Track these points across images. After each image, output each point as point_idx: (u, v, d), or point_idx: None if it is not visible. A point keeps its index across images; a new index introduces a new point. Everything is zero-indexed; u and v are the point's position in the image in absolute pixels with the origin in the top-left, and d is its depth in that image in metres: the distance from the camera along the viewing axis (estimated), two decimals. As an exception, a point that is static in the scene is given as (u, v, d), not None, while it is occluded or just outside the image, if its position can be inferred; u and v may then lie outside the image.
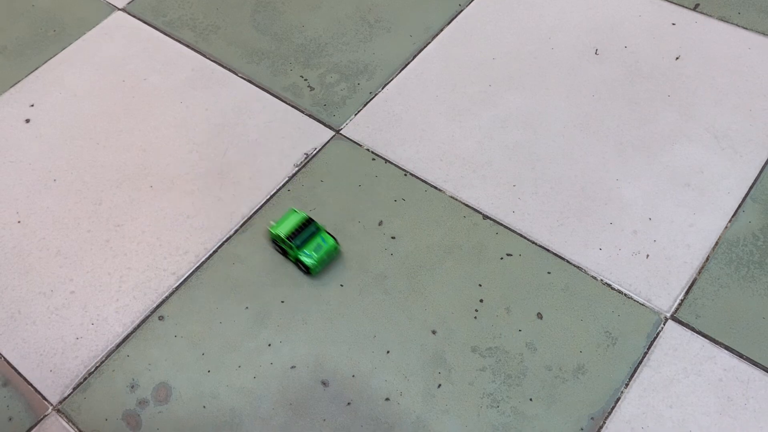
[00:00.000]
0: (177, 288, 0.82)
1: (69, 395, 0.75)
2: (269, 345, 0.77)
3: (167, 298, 0.81)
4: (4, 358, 0.78)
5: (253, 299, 0.81)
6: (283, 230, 0.79)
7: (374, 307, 0.79)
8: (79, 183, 0.92)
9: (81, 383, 0.76)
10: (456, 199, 0.87)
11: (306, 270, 0.80)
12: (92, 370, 0.77)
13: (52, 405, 0.74)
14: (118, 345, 0.78)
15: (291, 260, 0.82)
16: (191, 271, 0.83)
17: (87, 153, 0.95)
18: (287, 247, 0.79)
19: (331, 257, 0.80)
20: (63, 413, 0.74)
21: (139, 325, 0.80)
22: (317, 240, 0.79)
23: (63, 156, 0.95)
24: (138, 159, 0.94)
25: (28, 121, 0.99)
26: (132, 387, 0.75)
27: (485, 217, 0.85)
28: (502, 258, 0.82)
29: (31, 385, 0.76)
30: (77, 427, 0.73)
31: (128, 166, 0.93)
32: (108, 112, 0.99)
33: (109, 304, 0.81)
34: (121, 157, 0.94)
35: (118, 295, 0.82)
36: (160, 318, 0.80)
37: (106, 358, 0.77)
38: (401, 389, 0.73)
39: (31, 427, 0.73)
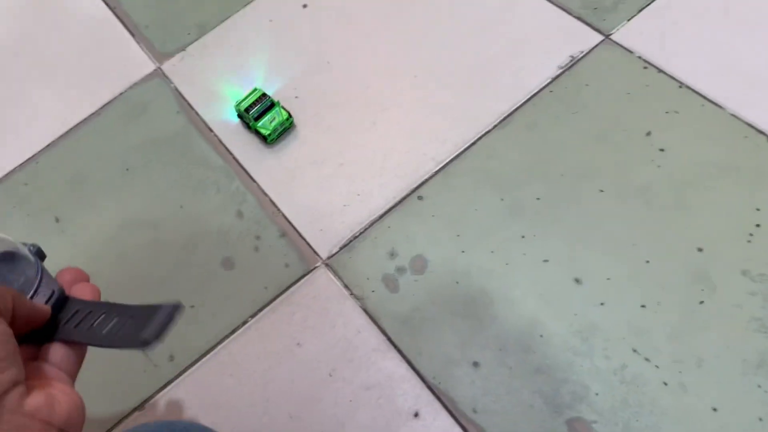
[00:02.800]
0: (436, 172, 0.86)
1: (336, 253, 0.83)
2: (522, 237, 0.79)
3: (426, 180, 0.86)
4: (282, 213, 0.87)
5: (507, 192, 0.82)
6: (242, 105, 0.91)
7: (635, 217, 0.77)
8: (349, 67, 0.98)
9: (347, 244, 0.83)
10: (737, 118, 0.81)
11: (263, 139, 0.91)
12: (357, 234, 0.84)
13: (321, 259, 0.83)
14: (381, 216, 0.84)
15: (252, 131, 0.93)
16: (450, 158, 0.87)
17: (357, 41, 1.00)
18: (247, 119, 0.91)
19: (284, 127, 0.91)
20: (330, 267, 0.82)
21: (399, 202, 0.85)
22: (272, 113, 0.90)
23: (336, 41, 1.01)
24: (403, 49, 0.97)
25: (305, 6, 1.06)
26: (391, 255, 0.81)
27: (770, 139, 0.78)
28: (786, 184, 0.75)
29: (304, 239, 0.85)
30: (342, 281, 0.80)
31: (395, 55, 0.97)
32: (378, 2, 1.03)
33: (373, 179, 0.87)
34: (388, 47, 0.98)
35: (381, 172, 0.88)
36: (419, 198, 0.85)
37: (370, 226, 0.84)
38: (659, 299, 0.72)
39: (304, 275, 0.82)
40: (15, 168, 0.99)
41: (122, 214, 0.91)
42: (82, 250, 0.90)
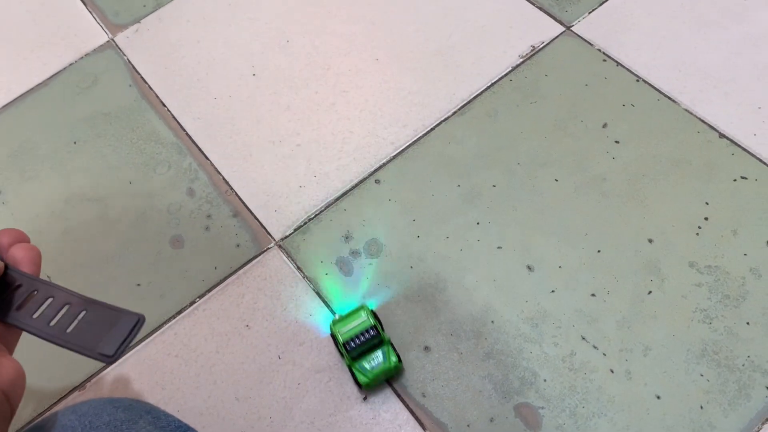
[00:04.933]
0: (394, 157, 0.85)
1: (290, 234, 0.81)
2: (477, 223, 0.79)
3: (384, 164, 0.85)
4: (235, 192, 0.85)
5: (465, 179, 0.82)
6: (345, 333, 0.67)
7: (589, 207, 0.78)
8: (309, 47, 0.96)
9: (301, 226, 0.82)
10: (691, 113, 0.82)
11: (358, 386, 0.69)
12: (312, 216, 0.82)
13: (274, 240, 0.81)
14: (337, 199, 0.83)
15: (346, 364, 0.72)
16: (409, 143, 0.86)
17: (319, 20, 0.99)
18: (343, 352, 0.69)
19: (388, 376, 0.68)
20: (284, 249, 0.80)
21: (356, 185, 0.84)
22: (377, 353, 0.67)
23: (296, 20, 0.99)
24: (366, 31, 0.96)
25: (267, -17, 1.04)
26: (346, 238, 0.80)
27: (721, 135, 0.80)
28: (735, 180, 0.77)
29: (257, 219, 0.83)
30: (295, 263, 0.79)
31: (356, 36, 0.96)
32: (342, -17, 1.02)
33: (330, 161, 0.86)
34: (350, 28, 0.97)
35: (339, 155, 0.86)
36: (377, 181, 0.84)
37: (325, 209, 0.83)
38: (609, 288, 0.73)
39: (256, 256, 0.80)
40: (-47, 136, 0.94)
41: (68, 188, 0.88)
42: (25, 225, 0.86)
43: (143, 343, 0.76)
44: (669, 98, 0.83)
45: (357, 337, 0.66)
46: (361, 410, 0.69)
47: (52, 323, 0.37)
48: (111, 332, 0.35)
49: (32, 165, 0.90)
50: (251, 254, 0.81)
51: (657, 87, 0.84)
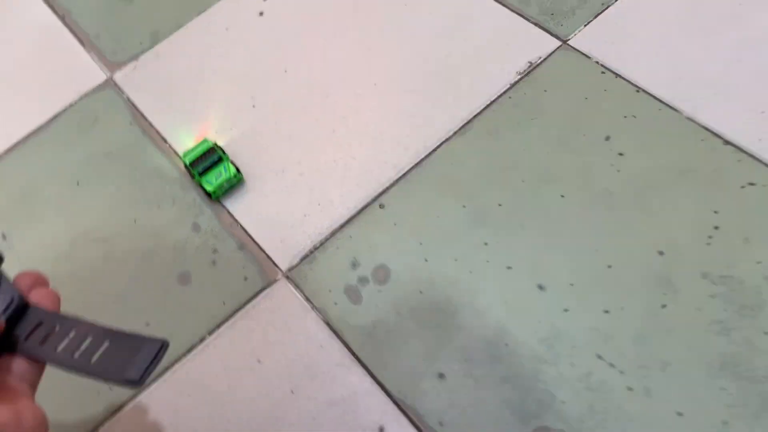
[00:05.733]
0: (397, 180, 0.85)
1: (297, 264, 0.81)
2: (485, 244, 0.78)
3: (387, 188, 0.84)
4: (240, 224, 0.85)
5: (470, 199, 0.82)
6: (188, 157, 0.86)
7: (596, 221, 0.77)
8: (307, 75, 0.96)
9: (307, 255, 0.81)
10: (693, 121, 0.81)
11: (207, 195, 0.86)
12: (318, 245, 0.82)
13: (282, 271, 0.80)
14: (342, 226, 0.82)
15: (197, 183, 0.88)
16: (411, 166, 0.86)
17: (315, 49, 0.99)
18: (192, 173, 0.86)
19: (231, 184, 0.85)
20: (291, 280, 0.80)
21: (360, 210, 0.83)
22: (219, 168, 0.85)
23: (293, 49, 0.99)
24: (362, 57, 0.96)
25: (261, 14, 1.04)
26: (354, 265, 0.79)
27: (726, 142, 0.79)
28: (743, 187, 0.76)
29: (263, 251, 0.82)
30: (304, 294, 0.78)
31: (353, 63, 0.96)
32: (336, 10, 1.02)
33: (334, 188, 0.85)
34: (347, 54, 0.97)
35: (342, 181, 0.86)
36: (381, 206, 0.83)
37: (331, 236, 0.82)
38: (622, 304, 0.72)
39: (264, 288, 0.80)
40: (-43, 184, 0.94)
41: (73, 230, 0.88)
42: (32, 268, 0.86)
43: (153, 385, 0.75)
44: (670, 107, 0.83)
45: (200, 157, 0.85)
46: (377, 442, 0.68)
47: (77, 355, 0.36)
48: (135, 358, 0.35)
49: (37, 208, 0.90)
50: (259, 287, 0.80)
51: (657, 96, 0.84)
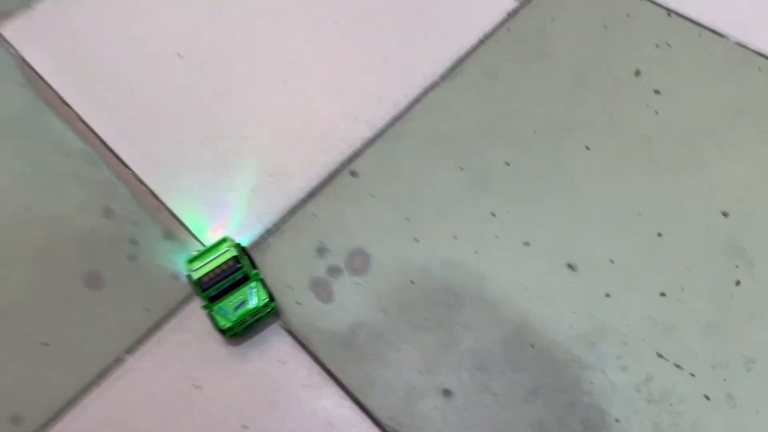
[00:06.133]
0: (372, 140, 0.66)
1: (244, 255, 0.61)
2: (493, 215, 0.60)
3: (360, 151, 0.66)
4: (166, 207, 0.65)
5: (468, 159, 0.63)
6: (198, 271, 0.56)
7: (636, 178, 0.60)
8: (246, 14, 0.76)
9: (258, 243, 0.62)
10: (746, 47, 0.65)
11: (221, 332, 0.56)
12: (272, 228, 0.62)
13: (224, 265, 0.60)
14: (302, 202, 0.63)
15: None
16: (389, 121, 0.67)
17: (257, -18, 0.78)
18: (201, 295, 0.56)
19: (258, 317, 0.56)
20: (238, 275, 0.60)
21: (326, 181, 0.64)
22: (243, 292, 0.56)
23: (230, -15, 0.79)
24: (318, -11, 0.76)
25: (189, -54, 0.83)
26: (320, 252, 0.60)
27: (789, 70, 0.63)
28: (818, 124, 0.59)
29: (198, 240, 0.63)
30: (255, 293, 0.58)
31: (307, -3, 0.76)
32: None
33: (289, 155, 0.67)
34: (298, -14, 0.77)
35: (299, 145, 0.67)
36: (353, 174, 0.64)
37: (289, 216, 0.63)
38: (682, 284, 0.54)
39: (201, 288, 0.60)
40: None
41: (-57, 223, 0.66)
42: None
43: (55, 425, 0.54)
44: (713, 32, 0.66)
45: (215, 272, 0.56)
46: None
47: None
48: None
49: None
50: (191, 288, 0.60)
51: (696, 20, 0.67)
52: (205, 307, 0.56)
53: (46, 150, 0.70)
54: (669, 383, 0.51)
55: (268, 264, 0.60)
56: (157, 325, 0.59)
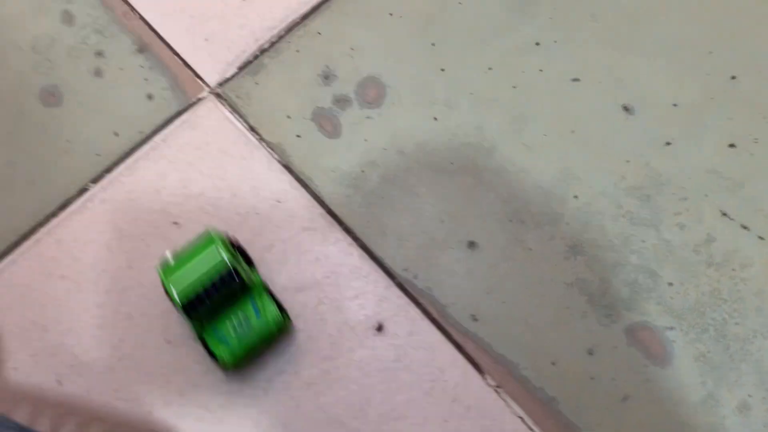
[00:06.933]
0: (392, -56, 0.54)
1: (233, 76, 0.52)
2: (537, 44, 0.50)
3: (377, -44, 0.53)
4: (139, 13, 0.54)
5: (508, -24, 0.52)
6: (180, 287, 0.39)
7: (709, 7, 0.49)
8: None
9: (250, 62, 0.52)
10: None
11: (216, 361, 0.42)
12: (267, 46, 0.52)
13: (208, 87, 0.52)
14: (304, 17, 0.53)
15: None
16: None
17: None
18: (185, 316, 0.40)
19: (268, 341, 0.42)
20: (225, 99, 0.51)
21: (335, -8, 0.52)
22: (244, 309, 0.41)
23: None
24: None
25: None
26: (326, 77, 0.50)
27: None
28: None
29: (178, 55, 0.52)
30: (246, 120, 0.49)
31: None
32: None
33: (289, -43, 0.54)
34: None
35: (303, -54, 0.54)
36: (367, -15, 0.52)
37: (286, 33, 0.52)
38: (756, 135, 0.47)
39: (180, 112, 0.51)
40: None
41: None
42: None
43: (7, 258, 0.46)
44: None
45: (206, 287, 0.39)
46: (374, 345, 0.43)
47: None
48: None
49: None
50: (172, 110, 0.52)
51: None
52: (198, 333, 0.41)
53: (-13, -63, 0.57)
54: (733, 246, 0.44)
55: (261, 88, 0.50)
56: (129, 153, 0.49)
